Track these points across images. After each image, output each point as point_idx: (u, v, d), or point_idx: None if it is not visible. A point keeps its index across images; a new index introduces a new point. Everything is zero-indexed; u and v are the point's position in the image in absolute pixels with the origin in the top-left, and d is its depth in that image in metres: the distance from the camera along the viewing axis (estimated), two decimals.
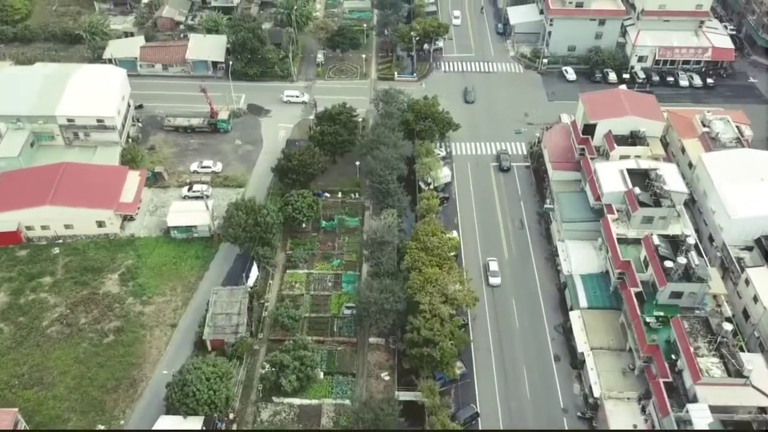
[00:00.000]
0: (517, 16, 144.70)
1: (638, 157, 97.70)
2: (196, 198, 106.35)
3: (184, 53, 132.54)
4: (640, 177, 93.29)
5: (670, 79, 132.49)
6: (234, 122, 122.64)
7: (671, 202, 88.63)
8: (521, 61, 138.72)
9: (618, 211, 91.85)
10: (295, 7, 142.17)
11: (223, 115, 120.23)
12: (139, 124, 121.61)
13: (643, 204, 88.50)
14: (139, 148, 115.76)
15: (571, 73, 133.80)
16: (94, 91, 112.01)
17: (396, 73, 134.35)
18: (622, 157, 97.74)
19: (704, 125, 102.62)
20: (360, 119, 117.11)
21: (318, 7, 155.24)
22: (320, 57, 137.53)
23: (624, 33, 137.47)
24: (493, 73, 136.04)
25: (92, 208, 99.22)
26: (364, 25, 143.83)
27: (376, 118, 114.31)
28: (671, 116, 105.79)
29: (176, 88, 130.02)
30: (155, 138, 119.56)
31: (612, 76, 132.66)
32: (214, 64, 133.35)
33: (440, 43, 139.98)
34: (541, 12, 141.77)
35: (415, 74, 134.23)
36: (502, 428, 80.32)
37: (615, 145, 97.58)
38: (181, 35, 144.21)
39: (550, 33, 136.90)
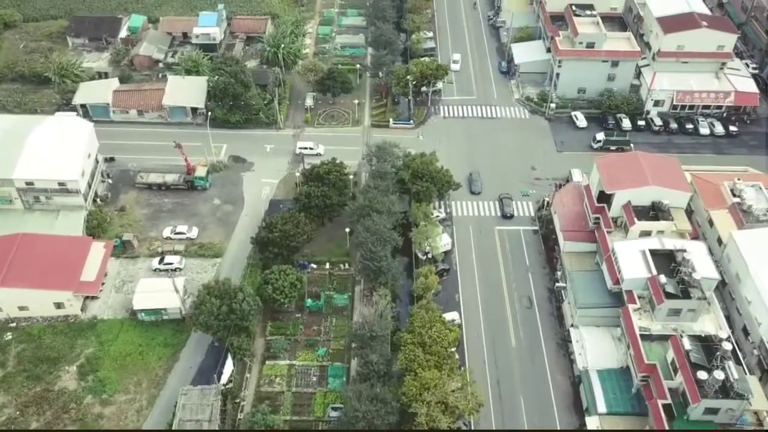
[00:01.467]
0: (522, 54, 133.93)
1: (661, 232, 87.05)
2: (168, 270, 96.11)
3: (160, 98, 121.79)
4: (665, 258, 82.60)
5: (690, 126, 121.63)
6: (214, 177, 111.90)
7: (702, 293, 77.91)
8: (527, 104, 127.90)
9: (640, 297, 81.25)
10: (283, 45, 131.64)
11: (200, 171, 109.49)
12: (109, 181, 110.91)
13: (669, 295, 77.76)
14: (108, 211, 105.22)
15: (581, 120, 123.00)
16: (56, 149, 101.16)
17: (391, 119, 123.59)
18: (643, 233, 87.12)
19: (734, 194, 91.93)
20: (351, 176, 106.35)
21: (308, 42, 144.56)
22: (309, 101, 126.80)
23: (638, 74, 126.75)
24: (497, 119, 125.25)
25: (49, 290, 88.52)
26: (358, 66, 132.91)
27: (368, 178, 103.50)
28: (696, 181, 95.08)
29: (152, 137, 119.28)
30: (126, 197, 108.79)
31: (626, 123, 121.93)
32: (194, 109, 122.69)
33: (439, 85, 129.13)
34: (548, 50, 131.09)
35: (411, 121, 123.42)
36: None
37: (635, 219, 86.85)
38: (159, 75, 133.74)
39: (558, 75, 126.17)
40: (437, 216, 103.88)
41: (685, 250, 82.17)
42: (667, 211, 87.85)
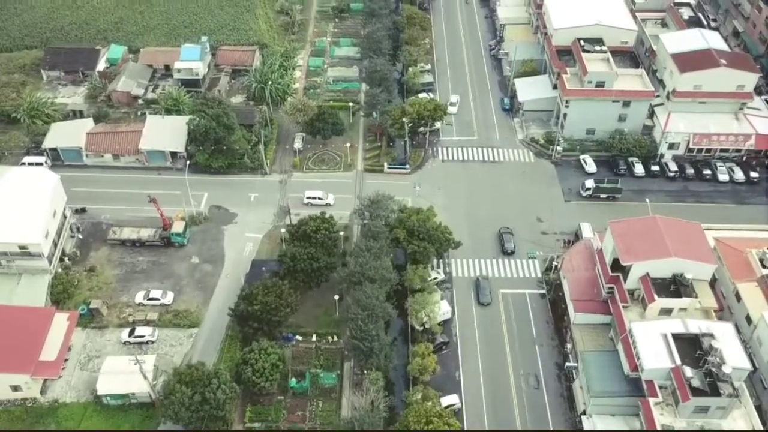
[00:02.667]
0: (527, 90, 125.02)
1: (684, 309, 78.32)
2: (139, 343, 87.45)
3: (137, 141, 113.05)
4: (689, 343, 73.96)
5: (707, 172, 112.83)
6: (192, 231, 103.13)
7: (733, 388, 69.20)
8: (531, 146, 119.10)
9: (662, 388, 72.55)
10: (270, 82, 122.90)
11: (177, 226, 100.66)
12: (79, 236, 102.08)
13: (696, 391, 69.04)
14: (76, 271, 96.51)
15: (590, 164, 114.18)
16: (17, 208, 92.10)
17: (386, 164, 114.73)
18: (663, 311, 78.38)
19: (763, 264, 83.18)
20: (341, 232, 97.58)
21: (298, 75, 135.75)
22: (298, 142, 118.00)
23: (651, 114, 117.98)
24: (499, 163, 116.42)
25: (4, 373, 79.68)
26: (351, 104, 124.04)
27: (360, 238, 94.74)
28: (720, 248, 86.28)
29: (128, 184, 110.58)
30: (97, 255, 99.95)
31: (638, 168, 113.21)
32: (174, 152, 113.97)
33: (438, 125, 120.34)
34: (555, 87, 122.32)
35: (408, 166, 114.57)
36: None
37: (655, 296, 78.08)
38: (138, 113, 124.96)
39: (565, 115, 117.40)
40: (435, 278, 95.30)
41: (712, 335, 73.46)
42: (690, 285, 79.04)
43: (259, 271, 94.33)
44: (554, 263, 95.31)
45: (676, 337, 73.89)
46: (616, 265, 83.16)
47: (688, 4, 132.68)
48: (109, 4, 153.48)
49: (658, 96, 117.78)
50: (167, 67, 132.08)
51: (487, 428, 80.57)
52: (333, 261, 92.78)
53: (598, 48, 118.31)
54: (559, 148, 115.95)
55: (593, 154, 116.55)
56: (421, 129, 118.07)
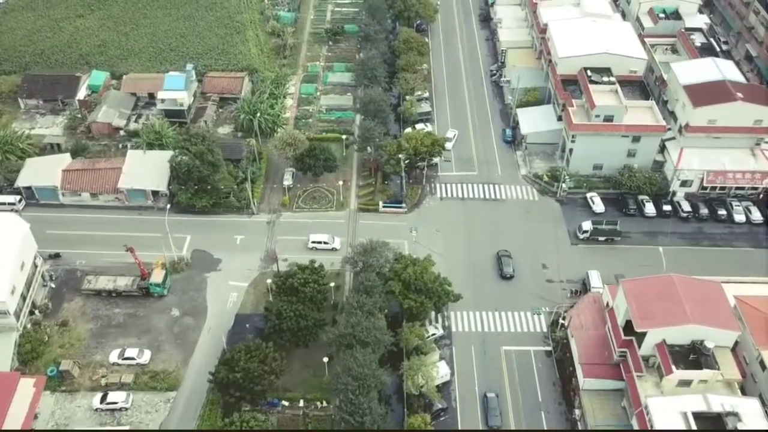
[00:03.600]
0: (530, 122, 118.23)
1: (704, 382, 71.62)
2: (112, 410, 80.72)
3: (116, 180, 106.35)
4: (712, 422, 67.29)
5: (722, 212, 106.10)
6: (173, 279, 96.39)
7: None
8: (535, 183, 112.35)
9: None
10: (259, 112, 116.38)
11: (156, 276, 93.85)
12: (51, 285, 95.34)
13: None
14: (47, 326, 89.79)
15: (597, 203, 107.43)
16: None
17: (381, 202, 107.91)
18: (682, 382, 71.65)
19: None
20: (332, 284, 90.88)
21: (289, 103, 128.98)
22: (288, 179, 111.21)
23: (663, 149, 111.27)
24: (501, 202, 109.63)
25: None
26: (344, 137, 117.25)
27: (352, 293, 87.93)
28: (741, 308, 79.30)
29: (107, 225, 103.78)
30: (70, 307, 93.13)
31: (649, 208, 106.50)
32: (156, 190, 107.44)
33: (436, 159, 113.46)
34: (560, 118, 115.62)
35: (404, 205, 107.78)
36: None
37: (673, 367, 71.34)
38: (119, 145, 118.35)
39: (571, 150, 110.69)
40: (433, 334, 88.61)
41: (737, 415, 66.77)
42: (711, 355, 72.35)
43: (243, 327, 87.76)
44: (561, 318, 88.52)
45: (697, 416, 67.22)
46: (629, 327, 76.64)
47: (699, 30, 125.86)
48: (92, 26, 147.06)
49: (669, 129, 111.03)
50: (151, 95, 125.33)
51: None
52: (322, 318, 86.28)
53: (605, 79, 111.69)
54: (565, 186, 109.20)
55: (601, 192, 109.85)
56: (420, 163, 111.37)
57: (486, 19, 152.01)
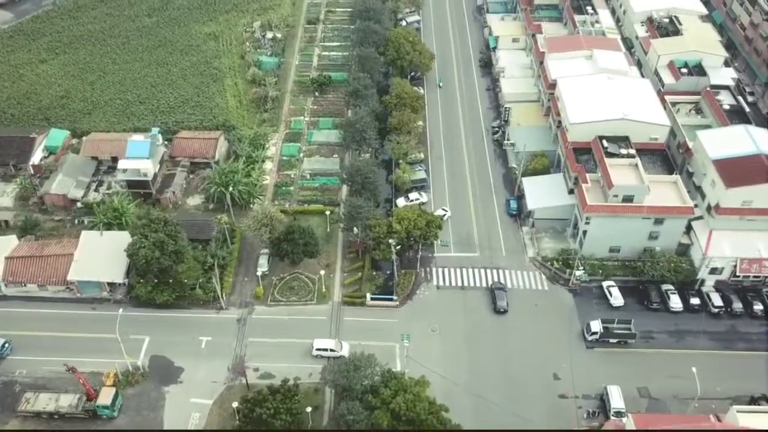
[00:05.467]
0: (537, 195, 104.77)
1: None
2: None
3: (66, 270, 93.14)
4: None
5: (759, 307, 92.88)
6: (126, 395, 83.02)
7: None
8: (544, 268, 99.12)
9: None
10: (233, 184, 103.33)
11: (105, 396, 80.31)
12: None
13: None
14: None
15: (616, 296, 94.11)
16: None
17: (368, 294, 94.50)
18: None
19: None
20: (308, 409, 77.51)
21: (269, 167, 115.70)
22: (263, 264, 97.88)
23: (689, 229, 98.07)
24: (506, 291, 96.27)
25: None
26: (327, 212, 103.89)
27: (331, 422, 74.74)
28: None
29: (55, 323, 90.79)
30: None
31: (675, 301, 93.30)
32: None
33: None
34: (571, 191, 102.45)
35: (395, 297, 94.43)
36: None
37: None
38: (76, 220, 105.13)
39: (585, 232, 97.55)
40: None
41: None
42: None
43: None
44: None
45: None
46: None
47: (726, 88, 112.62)
48: (55, 73, 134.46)
49: (696, 205, 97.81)
50: (115, 159, 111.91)
51: None
52: None
53: (624, 151, 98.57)
54: (579, 273, 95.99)
55: (619, 279, 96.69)
56: (416, 245, 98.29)
57: (487, 65, 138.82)
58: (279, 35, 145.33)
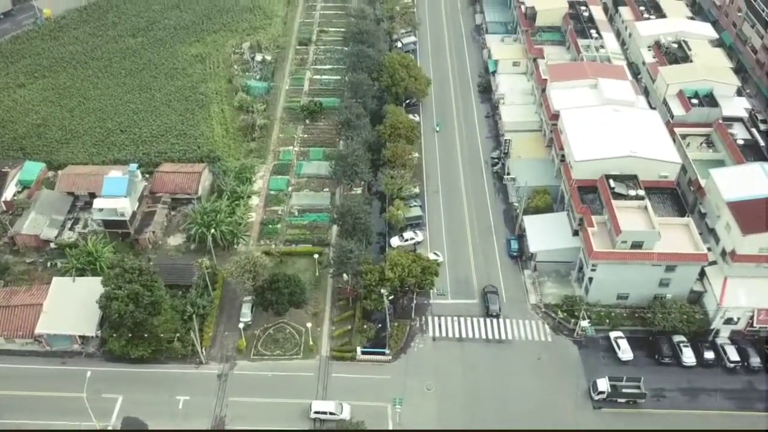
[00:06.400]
0: (539, 236, 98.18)
1: None
2: None
3: (34, 321, 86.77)
4: None
5: None
6: None
7: None
8: (547, 317, 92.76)
9: None
10: (215, 225, 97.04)
11: None
12: None
13: None
14: None
15: (624, 349, 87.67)
16: None
17: (359, 348, 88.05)
18: None
19: None
20: None
21: (255, 202, 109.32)
22: (245, 314, 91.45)
23: (702, 275, 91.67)
24: (507, 343, 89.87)
25: None
26: (316, 256, 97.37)
27: None
28: None
29: (19, 381, 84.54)
30: None
31: (688, 355, 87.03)
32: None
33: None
34: (576, 233, 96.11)
35: (388, 350, 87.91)
36: None
37: None
38: (49, 263, 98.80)
39: (591, 279, 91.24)
40: None
41: None
42: None
43: None
44: None
45: None
46: None
47: (740, 120, 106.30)
48: (34, 98, 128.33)
49: (709, 249, 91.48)
50: (93, 195, 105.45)
51: None
52: None
53: (633, 193, 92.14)
54: (585, 324, 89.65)
55: (627, 329, 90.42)
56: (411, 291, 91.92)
57: (486, 90, 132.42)
58: (269, 57, 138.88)
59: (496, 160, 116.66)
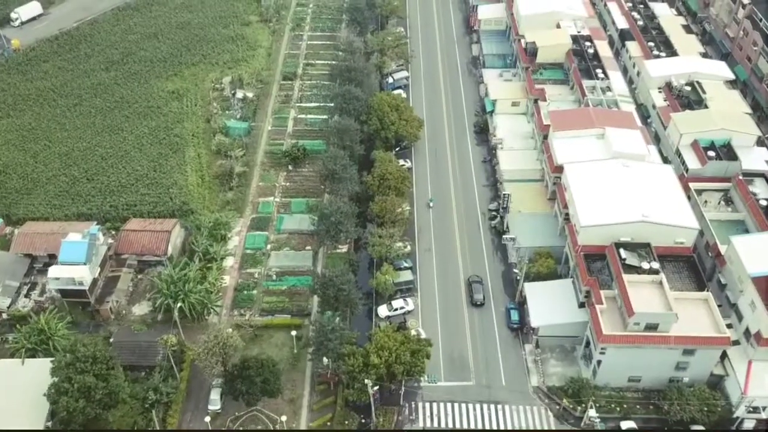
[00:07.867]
0: (542, 308, 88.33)
1: None
2: None
3: None
4: None
5: None
6: None
7: None
8: (551, 401, 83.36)
9: None
10: (182, 299, 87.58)
11: None
12: None
13: None
14: None
15: None
16: None
17: None
18: None
19: None
20: None
21: (230, 264, 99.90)
22: (215, 400, 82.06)
23: (723, 357, 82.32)
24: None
25: None
26: (293, 332, 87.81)
27: None
28: None
29: None
30: None
31: None
32: None
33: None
34: (582, 305, 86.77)
35: None
36: None
37: None
38: (0, 338, 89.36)
39: (599, 362, 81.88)
40: None
41: None
42: None
43: None
44: None
45: None
46: None
47: (761, 175, 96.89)
48: None
49: (730, 326, 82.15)
50: (52, 256, 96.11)
51: None
52: None
53: (646, 266, 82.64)
54: (592, 414, 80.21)
55: (640, 418, 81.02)
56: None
57: (482, 131, 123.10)
58: (250, 95, 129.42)
59: (494, 213, 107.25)
